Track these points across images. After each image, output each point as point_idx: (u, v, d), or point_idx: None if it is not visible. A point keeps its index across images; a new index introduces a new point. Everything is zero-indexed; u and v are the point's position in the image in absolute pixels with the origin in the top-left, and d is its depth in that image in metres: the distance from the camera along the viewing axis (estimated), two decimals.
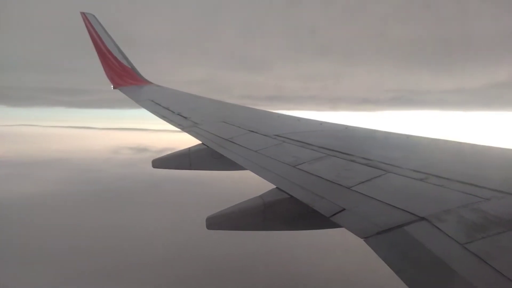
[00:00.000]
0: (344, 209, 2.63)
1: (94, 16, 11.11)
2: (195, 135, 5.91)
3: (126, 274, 35.66)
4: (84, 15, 10.91)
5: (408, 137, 4.82)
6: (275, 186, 3.46)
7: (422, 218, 2.21)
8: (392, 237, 2.14)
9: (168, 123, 7.08)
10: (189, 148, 5.69)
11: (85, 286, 33.52)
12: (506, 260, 1.73)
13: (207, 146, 5.31)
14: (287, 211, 3.33)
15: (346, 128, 5.61)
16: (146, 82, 11.77)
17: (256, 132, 5.45)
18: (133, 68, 11.72)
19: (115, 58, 11.22)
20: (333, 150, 4.07)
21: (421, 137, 4.80)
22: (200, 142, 5.61)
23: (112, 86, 11.03)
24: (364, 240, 2.19)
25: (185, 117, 7.19)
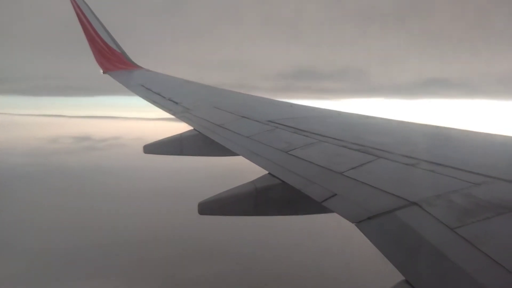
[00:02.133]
0: (335, 194, 2.64)
1: (83, 0, 10.85)
2: (187, 120, 5.86)
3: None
4: None
5: (399, 123, 4.83)
6: (267, 172, 3.46)
7: (413, 203, 2.22)
8: (383, 222, 2.16)
9: (159, 109, 7.01)
10: (181, 133, 5.65)
11: None
12: (496, 244, 1.75)
13: (199, 132, 5.27)
14: (279, 197, 3.33)
15: (339, 114, 5.60)
16: (137, 66, 11.60)
17: (248, 118, 5.42)
18: (123, 53, 11.53)
19: (104, 42, 11.02)
20: (325, 136, 4.07)
21: (412, 123, 4.81)
22: (192, 128, 5.57)
23: (101, 71, 10.87)
24: (356, 225, 2.20)
25: (177, 103, 7.11)
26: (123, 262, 36.17)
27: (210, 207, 3.48)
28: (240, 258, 37.12)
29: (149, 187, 57.31)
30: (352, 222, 2.24)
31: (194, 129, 5.48)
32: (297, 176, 3.16)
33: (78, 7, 10.71)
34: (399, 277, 1.79)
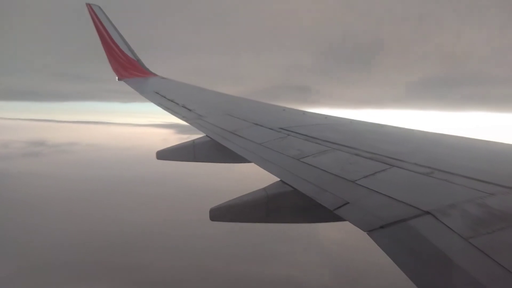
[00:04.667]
0: (348, 203, 2.62)
1: (99, 7, 11.09)
2: (200, 127, 5.91)
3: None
4: (89, 6, 10.90)
5: (412, 131, 4.80)
6: (279, 179, 3.47)
7: (427, 212, 2.20)
8: (396, 231, 2.14)
9: (173, 115, 7.10)
10: (194, 140, 5.70)
11: None
12: (511, 255, 1.72)
13: (212, 139, 5.32)
14: (290, 204, 3.33)
15: (351, 122, 5.59)
16: (151, 74, 11.78)
17: (260, 125, 5.44)
18: (138, 60, 11.73)
19: (120, 50, 11.23)
20: (337, 144, 4.06)
21: (426, 132, 4.77)
22: (204, 134, 5.62)
23: (117, 78, 11.05)
24: (368, 234, 2.19)
25: (190, 110, 7.19)
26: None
27: (221, 214, 3.50)
28: (250, 263, 36.99)
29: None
30: (364, 231, 2.22)
31: (206, 135, 5.53)
32: (309, 183, 3.16)
33: (95, 14, 10.95)
34: (411, 286, 1.78)
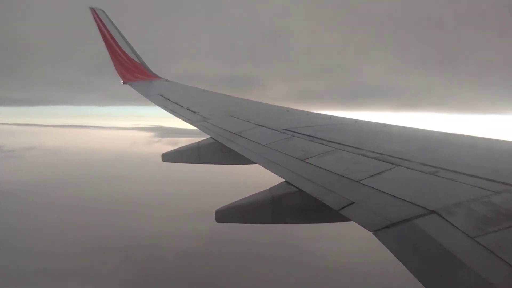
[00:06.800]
0: (353, 203, 2.62)
1: (103, 11, 11.15)
2: (204, 129, 5.93)
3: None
4: (93, 10, 10.96)
5: (417, 130, 4.78)
6: (283, 180, 3.47)
7: (432, 212, 2.20)
8: (401, 230, 2.14)
9: (177, 118, 7.13)
10: (198, 142, 5.72)
11: None
12: None
13: (216, 140, 5.33)
14: (295, 205, 3.34)
15: (356, 122, 5.58)
16: (156, 77, 11.83)
17: (264, 126, 5.45)
18: (143, 63, 11.78)
19: (124, 53, 11.29)
20: (342, 144, 4.06)
21: (430, 131, 4.75)
22: (209, 136, 5.64)
23: (122, 82, 11.11)
24: (373, 233, 2.19)
25: (194, 112, 7.22)
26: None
27: (227, 215, 3.51)
28: (257, 264, 36.95)
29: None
30: (370, 231, 2.22)
31: (211, 137, 5.54)
32: (314, 184, 3.16)
33: (99, 19, 11.01)
34: (418, 286, 1.78)
